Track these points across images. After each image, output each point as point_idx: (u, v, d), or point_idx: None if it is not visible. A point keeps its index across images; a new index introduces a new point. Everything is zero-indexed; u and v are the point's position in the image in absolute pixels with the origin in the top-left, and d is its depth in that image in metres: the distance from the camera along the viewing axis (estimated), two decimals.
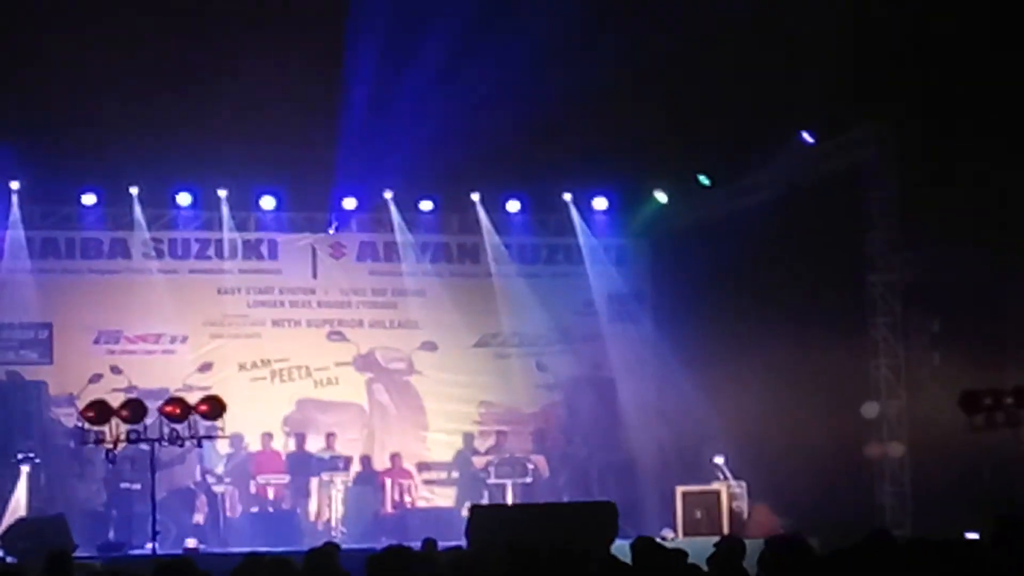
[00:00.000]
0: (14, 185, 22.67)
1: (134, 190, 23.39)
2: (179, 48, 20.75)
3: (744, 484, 21.98)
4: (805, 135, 21.77)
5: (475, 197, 24.84)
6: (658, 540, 12.23)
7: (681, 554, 10.73)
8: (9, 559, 18.26)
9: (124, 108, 20.73)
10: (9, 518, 20.34)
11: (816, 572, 9.33)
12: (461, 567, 11.23)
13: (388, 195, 24.50)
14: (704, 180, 24.14)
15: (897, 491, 21.59)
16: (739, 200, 23.57)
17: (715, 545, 10.88)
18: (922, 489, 21.23)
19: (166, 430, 17.64)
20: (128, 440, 17.63)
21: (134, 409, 17.61)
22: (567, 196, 25.04)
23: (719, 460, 22.23)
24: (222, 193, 23.93)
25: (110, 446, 17.76)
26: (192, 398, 18.32)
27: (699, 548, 11.56)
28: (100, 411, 17.64)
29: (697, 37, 19.59)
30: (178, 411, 17.64)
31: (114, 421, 17.56)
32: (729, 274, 23.35)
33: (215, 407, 17.89)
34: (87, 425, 17.93)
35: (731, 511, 21.71)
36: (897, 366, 22.03)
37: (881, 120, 21.40)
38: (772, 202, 22.72)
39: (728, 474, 21.86)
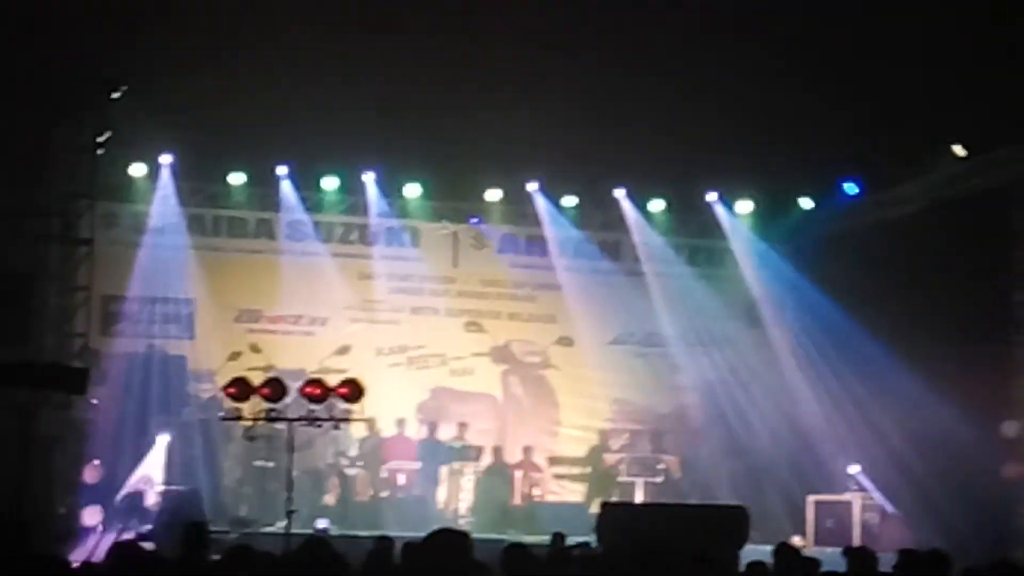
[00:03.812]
0: (165, 160, 22.93)
1: (282, 170, 23.56)
2: (327, 36, 20.84)
3: (877, 496, 21.79)
4: (957, 149, 21.42)
5: (619, 194, 24.76)
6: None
7: (815, 563, 10.67)
8: (144, 529, 18.51)
9: (275, 91, 20.90)
10: (135, 485, 20.59)
11: None
12: (593, 566, 11.22)
13: (532, 188, 24.51)
14: (850, 189, 23.91)
15: None
16: (885, 211, 23.31)
17: (843, 554, 10.80)
18: None
19: (304, 411, 17.76)
20: (267, 419, 17.77)
21: (275, 388, 17.73)
22: (711, 196, 24.88)
23: (854, 470, 22.03)
24: (368, 178, 24.07)
25: (249, 423, 17.94)
26: (330, 380, 18.42)
27: (828, 558, 11.49)
28: (241, 388, 17.78)
29: (858, 47, 19.33)
30: (318, 392, 17.75)
31: (254, 399, 17.72)
32: (871, 285, 23.10)
33: (355, 390, 17.97)
34: (227, 401, 18.12)
35: (863, 522, 21.53)
36: None
37: None
38: (918, 214, 22.43)
39: (866, 483, 21.66)
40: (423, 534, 8.28)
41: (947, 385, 21.19)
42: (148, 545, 14.08)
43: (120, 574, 8.45)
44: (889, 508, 21.81)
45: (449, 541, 8.11)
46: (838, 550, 17.77)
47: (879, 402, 22.12)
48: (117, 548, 8.98)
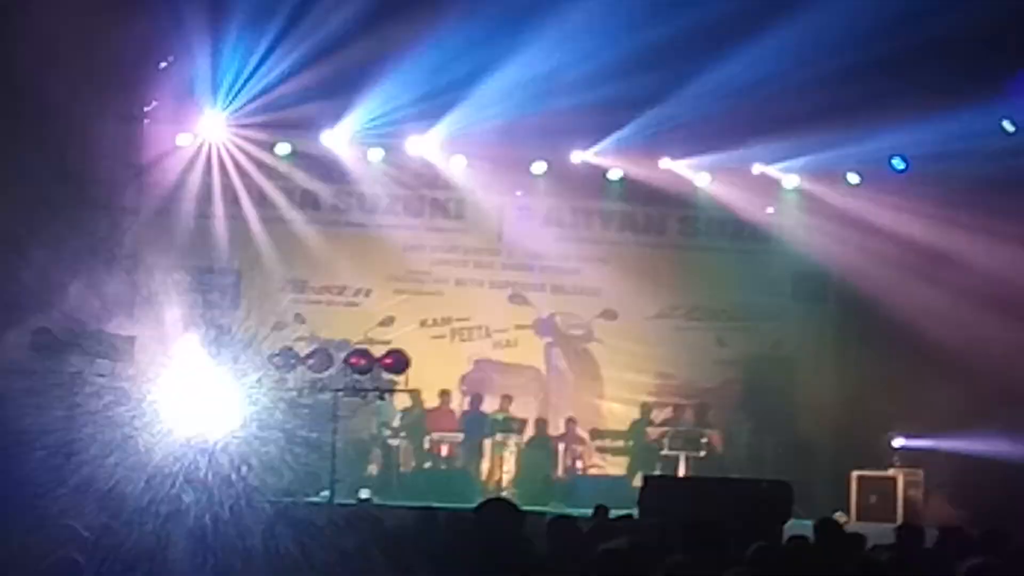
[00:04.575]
0: (210, 130, 22.91)
1: (329, 137, 23.51)
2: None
3: (921, 472, 21.74)
4: (1007, 124, 21.26)
5: (664, 165, 24.62)
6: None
7: (860, 538, 10.66)
8: (185, 495, 18.56)
9: (322, 62, 20.96)
10: None
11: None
12: (636, 539, 11.20)
13: (577, 160, 24.43)
14: (898, 164, 23.80)
15: None
16: (932, 187, 23.17)
17: (896, 531, 10.78)
18: None
19: (350, 381, 17.81)
20: (313, 389, 17.83)
21: (320, 359, 17.82)
22: (757, 169, 24.71)
23: (899, 443, 22.01)
24: (413, 148, 24.02)
25: (294, 394, 18.00)
26: (374, 351, 18.46)
27: (872, 534, 11.48)
28: (287, 359, 17.87)
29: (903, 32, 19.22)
30: (363, 363, 17.84)
31: (300, 369, 17.79)
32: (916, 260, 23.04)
33: (399, 361, 18.07)
34: (273, 371, 18.20)
35: (906, 498, 21.48)
36: None
37: None
38: (964, 190, 22.28)
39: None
40: (466, 505, 8.29)
41: (994, 361, 21.08)
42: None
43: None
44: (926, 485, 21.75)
45: (501, 512, 8.08)
46: (882, 526, 17.90)
47: (923, 377, 21.99)
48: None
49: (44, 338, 17.64)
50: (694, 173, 24.95)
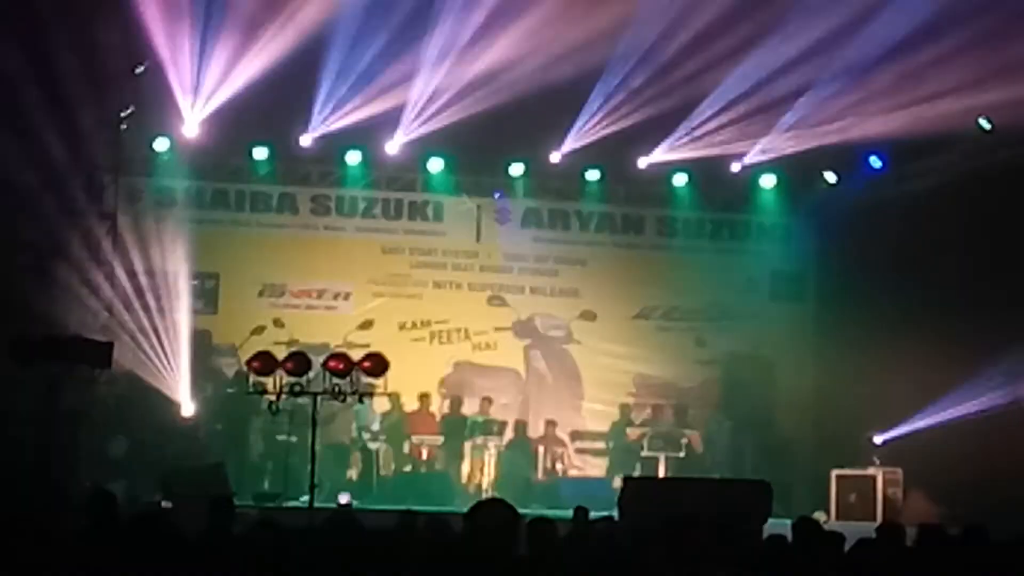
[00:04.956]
0: (188, 134, 22.84)
1: (305, 141, 23.45)
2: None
3: (900, 471, 21.79)
4: (983, 122, 21.28)
5: (642, 164, 24.57)
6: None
7: (839, 537, 10.66)
8: (165, 503, 18.55)
9: (299, 64, 20.95)
10: None
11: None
12: (615, 540, 11.22)
13: (554, 159, 24.39)
14: (875, 162, 23.84)
15: None
16: (909, 184, 23.21)
17: (876, 531, 10.79)
18: None
19: (328, 385, 17.78)
20: (291, 393, 17.80)
21: (298, 362, 17.76)
22: (735, 167, 24.69)
23: (879, 439, 22.08)
24: (390, 151, 23.96)
25: (272, 398, 17.97)
26: (354, 354, 18.45)
27: (852, 532, 11.48)
28: (266, 363, 17.82)
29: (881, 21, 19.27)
30: (342, 366, 17.76)
31: (278, 373, 17.76)
32: (895, 258, 23.08)
33: (378, 364, 17.99)
34: (251, 376, 18.17)
35: (886, 497, 21.52)
36: None
37: None
38: (942, 188, 22.30)
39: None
40: (447, 508, 8.27)
41: (971, 356, 21.10)
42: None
43: (142, 548, 8.47)
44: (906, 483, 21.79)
45: (497, 513, 7.99)
46: (862, 524, 17.93)
47: (902, 374, 22.01)
48: (139, 522, 8.99)
49: (22, 345, 17.58)
50: (672, 174, 24.93)
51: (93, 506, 10.27)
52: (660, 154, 23.98)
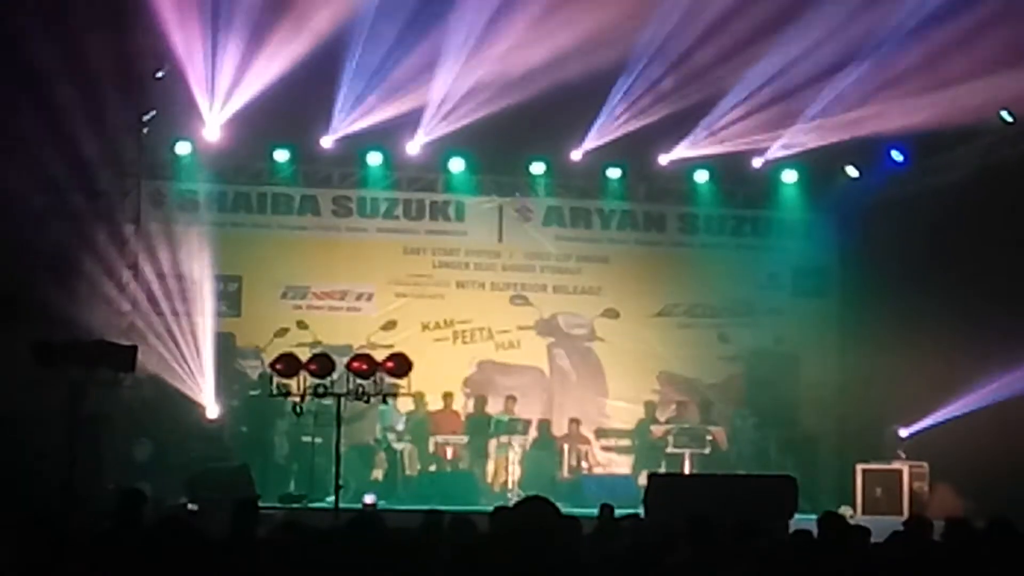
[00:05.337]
0: (209, 137, 22.84)
1: (326, 142, 23.45)
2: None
3: (926, 464, 21.73)
4: (1004, 114, 21.20)
5: (664, 160, 24.50)
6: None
7: (865, 531, 10.64)
8: (191, 506, 18.59)
9: (320, 66, 20.96)
10: None
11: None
12: (641, 537, 11.21)
13: (576, 157, 24.33)
14: (897, 156, 23.77)
15: None
16: (931, 178, 23.15)
17: (904, 525, 10.77)
18: None
19: (352, 386, 17.80)
20: (315, 394, 17.83)
21: (322, 364, 17.79)
22: (757, 163, 24.58)
23: (904, 433, 22.05)
24: (411, 151, 23.94)
25: (297, 399, 17.99)
26: (378, 355, 18.47)
27: (878, 527, 11.46)
28: (289, 364, 17.86)
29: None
30: (365, 367, 17.78)
31: (302, 375, 17.79)
32: (917, 252, 23.00)
33: (401, 365, 18.01)
34: (275, 377, 18.20)
35: (912, 491, 21.47)
36: None
37: None
38: (965, 181, 22.24)
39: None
40: (472, 508, 8.26)
41: (995, 350, 21.03)
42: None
43: (168, 551, 8.49)
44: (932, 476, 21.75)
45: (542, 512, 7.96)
46: (888, 519, 17.90)
47: (926, 369, 21.95)
48: (164, 524, 9.02)
49: (45, 348, 17.62)
50: (694, 171, 24.89)
51: (124, 504, 10.31)
52: (681, 151, 23.94)
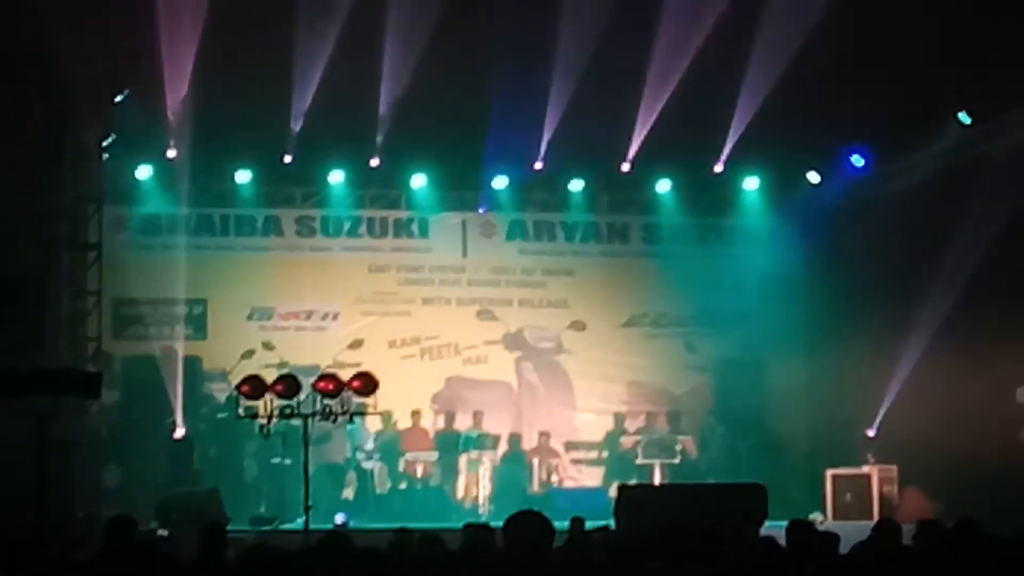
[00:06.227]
0: (171, 154, 22.72)
1: (288, 158, 23.34)
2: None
3: (895, 468, 21.78)
4: (962, 116, 21.31)
5: (626, 168, 24.39)
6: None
7: (834, 537, 10.65)
8: (161, 531, 18.52)
9: (274, 86, 20.92)
10: None
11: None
12: (611, 547, 11.20)
13: (538, 166, 24.23)
14: (857, 160, 23.84)
15: None
16: (892, 182, 23.25)
17: (872, 529, 10.78)
18: None
19: (319, 406, 17.77)
20: (282, 415, 17.80)
21: (288, 385, 17.76)
22: (718, 168, 24.48)
23: (871, 432, 22.15)
24: (373, 170, 23.87)
25: (264, 421, 17.94)
26: (344, 375, 18.44)
27: (849, 532, 11.48)
28: (255, 386, 17.82)
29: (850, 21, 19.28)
30: (332, 387, 17.75)
31: (268, 396, 17.75)
32: (881, 256, 23.08)
33: (368, 384, 17.98)
34: (242, 400, 18.15)
35: (882, 495, 21.51)
36: None
37: None
38: (925, 184, 22.32)
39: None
40: (442, 525, 8.26)
41: (961, 352, 21.11)
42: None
43: None
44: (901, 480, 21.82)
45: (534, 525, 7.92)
46: (859, 523, 17.93)
47: (893, 372, 22.06)
48: (133, 550, 8.98)
49: (12, 377, 17.52)
50: (656, 180, 24.91)
51: (114, 532, 10.27)
52: (643, 157, 23.82)
